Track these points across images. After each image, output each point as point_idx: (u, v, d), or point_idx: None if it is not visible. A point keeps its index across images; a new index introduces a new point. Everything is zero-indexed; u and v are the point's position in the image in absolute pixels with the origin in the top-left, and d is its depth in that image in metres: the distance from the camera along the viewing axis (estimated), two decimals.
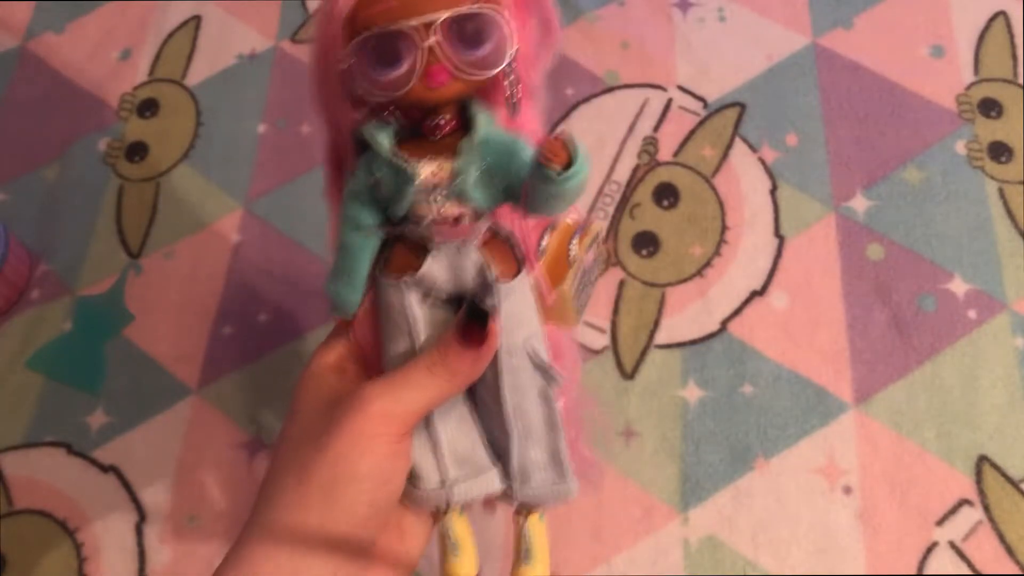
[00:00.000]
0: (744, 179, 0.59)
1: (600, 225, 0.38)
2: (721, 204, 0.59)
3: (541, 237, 0.37)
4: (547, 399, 0.34)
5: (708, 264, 0.57)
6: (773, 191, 0.59)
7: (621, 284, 0.56)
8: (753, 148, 0.60)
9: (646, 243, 0.58)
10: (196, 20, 0.70)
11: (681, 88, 0.63)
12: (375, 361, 0.36)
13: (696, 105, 0.62)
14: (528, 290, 0.34)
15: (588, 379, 0.53)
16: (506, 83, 0.32)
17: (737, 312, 0.55)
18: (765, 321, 0.54)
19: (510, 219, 0.35)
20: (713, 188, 0.59)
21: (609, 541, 0.49)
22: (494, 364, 0.33)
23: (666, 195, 0.59)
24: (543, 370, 0.34)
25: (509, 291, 0.33)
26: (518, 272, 0.34)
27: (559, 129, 0.29)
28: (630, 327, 0.55)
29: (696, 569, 0.48)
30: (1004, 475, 0.49)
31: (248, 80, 0.67)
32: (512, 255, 0.34)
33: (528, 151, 0.31)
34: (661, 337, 0.55)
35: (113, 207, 0.62)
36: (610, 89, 0.64)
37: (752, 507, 0.49)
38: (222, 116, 0.65)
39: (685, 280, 0.56)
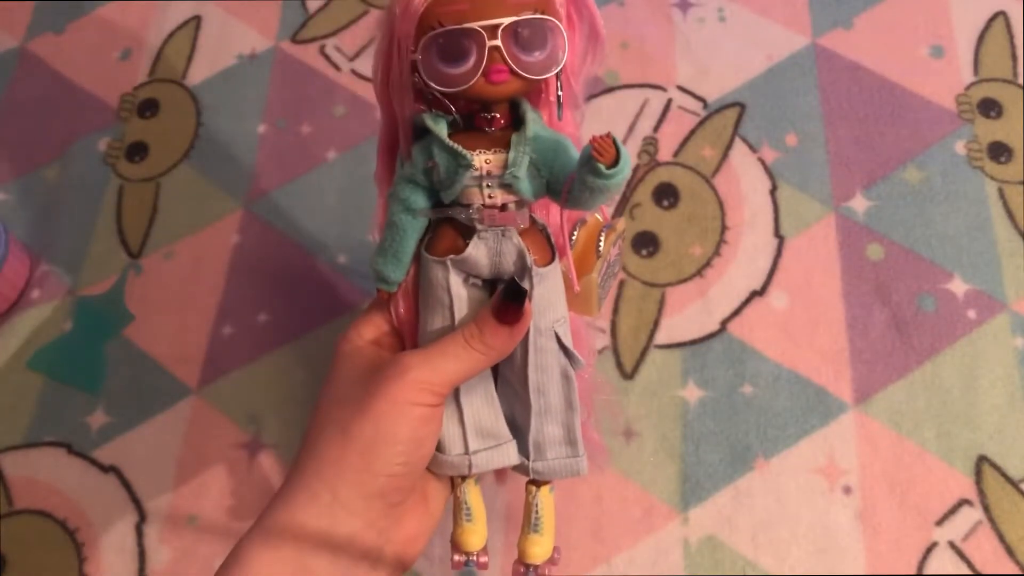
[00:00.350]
0: (744, 179, 0.59)
1: (624, 223, 0.43)
2: (721, 204, 0.59)
3: (572, 231, 0.40)
4: (568, 379, 0.37)
5: (708, 264, 0.57)
6: (773, 191, 0.59)
7: (621, 284, 0.56)
8: (753, 148, 0.60)
9: (646, 243, 0.58)
10: (196, 20, 0.70)
11: (681, 88, 0.63)
12: (411, 335, 0.39)
13: (696, 105, 0.62)
14: (559, 278, 0.37)
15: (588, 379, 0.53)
16: (554, 86, 0.36)
17: (737, 312, 0.55)
18: (765, 321, 0.55)
19: (545, 212, 0.38)
20: (713, 188, 0.59)
21: (609, 541, 0.49)
22: (524, 342, 0.36)
23: (666, 195, 0.59)
24: (567, 352, 0.37)
25: (543, 276, 0.36)
26: (552, 260, 0.37)
27: (606, 131, 0.32)
28: (630, 327, 0.55)
29: (696, 569, 0.48)
30: (1004, 475, 0.49)
31: (248, 80, 0.67)
32: (547, 245, 0.37)
33: (572, 149, 0.35)
34: (661, 337, 0.55)
35: (113, 207, 0.62)
36: (610, 89, 0.64)
37: (752, 507, 0.49)
38: (222, 116, 0.65)
39: (685, 280, 0.56)
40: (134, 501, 0.52)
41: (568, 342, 0.37)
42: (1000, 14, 0.64)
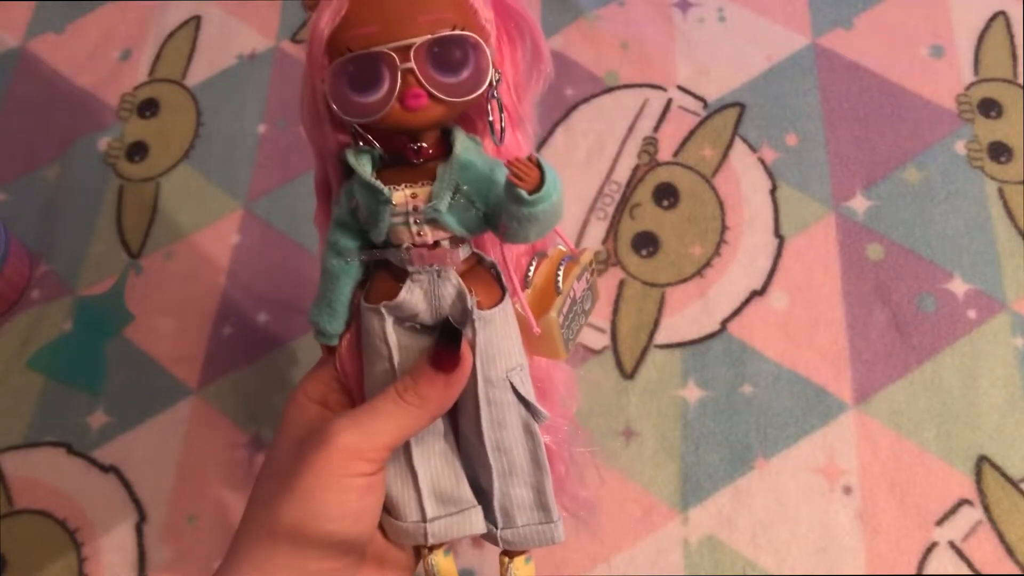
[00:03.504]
0: (744, 179, 0.59)
1: (591, 255, 0.37)
2: (721, 204, 0.59)
3: (528, 266, 0.36)
4: (532, 435, 0.33)
5: (708, 264, 0.57)
6: (773, 191, 0.59)
7: (621, 284, 0.56)
8: (753, 148, 0.60)
9: (646, 243, 0.58)
10: (196, 20, 0.70)
11: (681, 88, 0.63)
12: (358, 389, 0.35)
13: (696, 105, 0.62)
14: (511, 320, 0.33)
15: (588, 379, 0.53)
16: (488, 109, 0.32)
17: (737, 312, 0.55)
18: (765, 321, 0.55)
19: (498, 248, 0.35)
20: (713, 188, 0.59)
21: (609, 541, 0.49)
22: (474, 395, 0.33)
23: (666, 195, 0.59)
24: (527, 404, 0.33)
25: (489, 319, 0.32)
26: (500, 300, 0.33)
27: (530, 153, 0.30)
28: (630, 327, 0.55)
29: (696, 569, 0.48)
30: (1004, 475, 0.49)
31: (248, 80, 0.67)
32: (495, 283, 0.33)
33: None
34: (661, 337, 0.55)
35: (113, 207, 0.62)
36: (610, 89, 0.64)
37: (752, 507, 0.49)
38: (222, 116, 0.65)
39: (685, 280, 0.56)
40: (134, 501, 0.52)
41: (527, 392, 0.33)
42: (1000, 14, 0.64)
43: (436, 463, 0.34)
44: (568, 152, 0.61)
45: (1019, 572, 0.47)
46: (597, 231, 0.58)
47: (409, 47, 0.29)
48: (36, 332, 0.58)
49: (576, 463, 0.38)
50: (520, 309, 0.34)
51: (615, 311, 0.55)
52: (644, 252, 0.57)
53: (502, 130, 0.32)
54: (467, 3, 0.30)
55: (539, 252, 0.36)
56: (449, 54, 0.29)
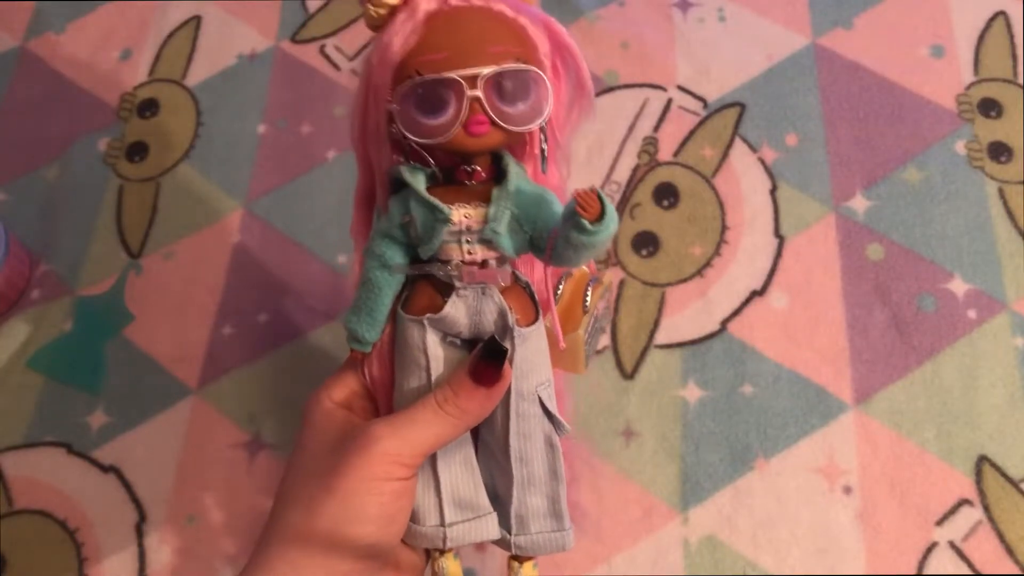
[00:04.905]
0: (744, 179, 0.59)
1: (612, 276, 0.40)
2: (721, 204, 0.59)
3: (557, 285, 0.38)
4: (553, 447, 0.35)
5: (708, 264, 0.57)
6: (773, 191, 0.59)
7: (621, 284, 0.56)
8: (753, 148, 0.60)
9: (646, 243, 0.58)
10: (196, 20, 0.70)
11: (681, 88, 0.63)
12: (385, 397, 0.37)
13: (696, 105, 0.62)
14: (543, 338, 0.35)
15: (588, 379, 0.53)
16: (539, 139, 0.34)
17: (737, 312, 0.55)
18: (765, 321, 0.54)
19: (528, 268, 0.36)
20: (713, 188, 0.59)
21: (609, 541, 0.49)
22: (504, 407, 0.34)
23: (666, 195, 0.59)
24: (551, 417, 0.35)
25: (526, 337, 0.34)
26: (535, 319, 0.35)
27: (589, 185, 0.31)
28: (630, 327, 0.55)
29: (696, 569, 0.48)
30: (1004, 475, 0.49)
31: (248, 80, 0.67)
32: (530, 303, 0.35)
33: (556, 203, 0.33)
34: (661, 337, 0.55)
35: (113, 207, 0.62)
36: (610, 89, 0.64)
37: (752, 507, 0.49)
38: (222, 116, 0.65)
39: (685, 280, 0.56)
40: (134, 501, 0.52)
41: (553, 407, 0.35)
42: (1000, 14, 0.64)
43: (457, 470, 0.35)
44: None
45: (1019, 572, 0.47)
46: None
47: (477, 76, 0.30)
48: (36, 332, 0.58)
49: (576, 473, 0.39)
50: (549, 325, 0.35)
51: (615, 311, 0.55)
52: (644, 252, 0.57)
53: (546, 158, 0.34)
54: (529, 38, 0.32)
55: (566, 272, 0.38)
56: (513, 86, 0.31)
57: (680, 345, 0.54)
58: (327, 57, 0.67)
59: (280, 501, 0.34)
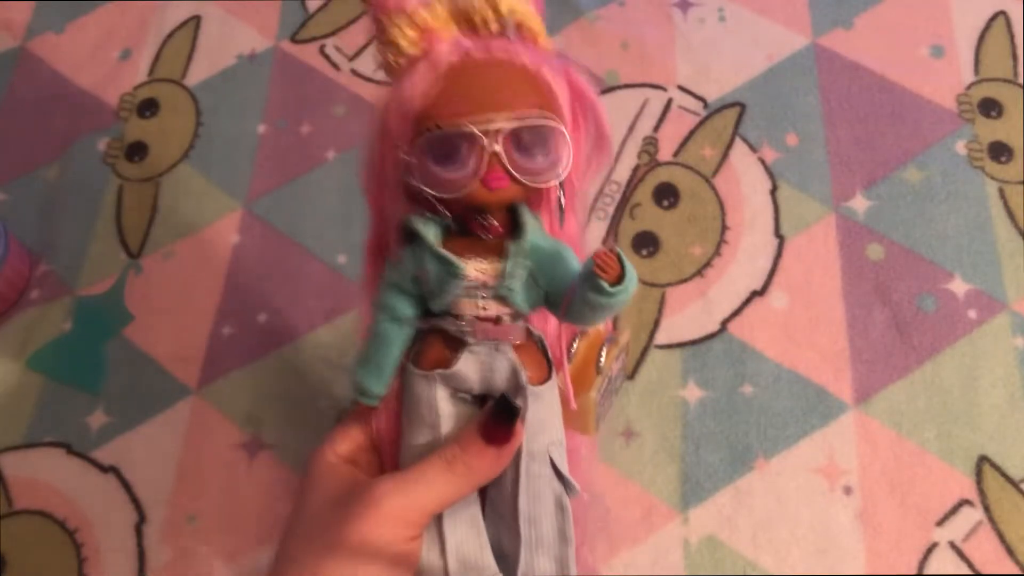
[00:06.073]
0: (744, 179, 0.59)
1: (628, 336, 0.39)
2: (721, 204, 0.59)
3: (571, 343, 0.37)
4: (563, 509, 0.34)
5: (708, 264, 0.57)
6: (773, 191, 0.59)
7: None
8: (753, 148, 0.60)
9: (646, 243, 0.58)
10: (196, 20, 0.70)
11: (681, 88, 0.63)
12: (391, 452, 0.36)
13: (696, 105, 0.62)
14: (556, 396, 0.34)
15: None
16: (558, 191, 0.33)
17: (737, 312, 0.55)
18: (765, 321, 0.54)
19: (542, 321, 0.36)
20: (713, 188, 0.59)
21: (609, 541, 0.49)
22: (514, 467, 0.33)
23: (666, 195, 0.59)
24: (562, 478, 0.34)
25: (538, 395, 0.33)
26: (548, 377, 0.34)
27: (608, 243, 0.30)
28: (630, 327, 0.55)
29: (696, 569, 0.48)
30: (1004, 475, 0.49)
31: (248, 80, 0.67)
32: (543, 360, 0.34)
33: (572, 259, 0.32)
34: (661, 337, 0.55)
35: (113, 207, 0.62)
36: (610, 89, 0.64)
37: (752, 507, 0.49)
38: (222, 116, 0.65)
39: (685, 280, 0.56)
40: (134, 501, 0.52)
41: (563, 467, 0.34)
42: (1000, 14, 0.64)
43: (463, 529, 0.34)
44: None
45: (1019, 572, 0.47)
46: (597, 231, 0.58)
47: (498, 131, 0.30)
48: (36, 332, 0.58)
49: (587, 532, 0.38)
50: (561, 384, 0.34)
51: (627, 376, 0.55)
52: (644, 252, 0.57)
53: (563, 211, 0.33)
54: (551, 91, 0.32)
55: (581, 330, 0.37)
56: (533, 140, 0.30)
57: (680, 345, 0.54)
58: (327, 57, 0.67)
59: (282, 558, 0.33)
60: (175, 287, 0.59)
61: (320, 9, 0.69)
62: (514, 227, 0.33)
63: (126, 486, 0.53)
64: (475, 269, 0.32)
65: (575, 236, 0.35)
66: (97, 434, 0.54)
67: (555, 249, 0.32)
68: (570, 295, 0.31)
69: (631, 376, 0.53)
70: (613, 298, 0.30)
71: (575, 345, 0.37)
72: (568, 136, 0.32)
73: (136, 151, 0.65)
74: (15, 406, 0.56)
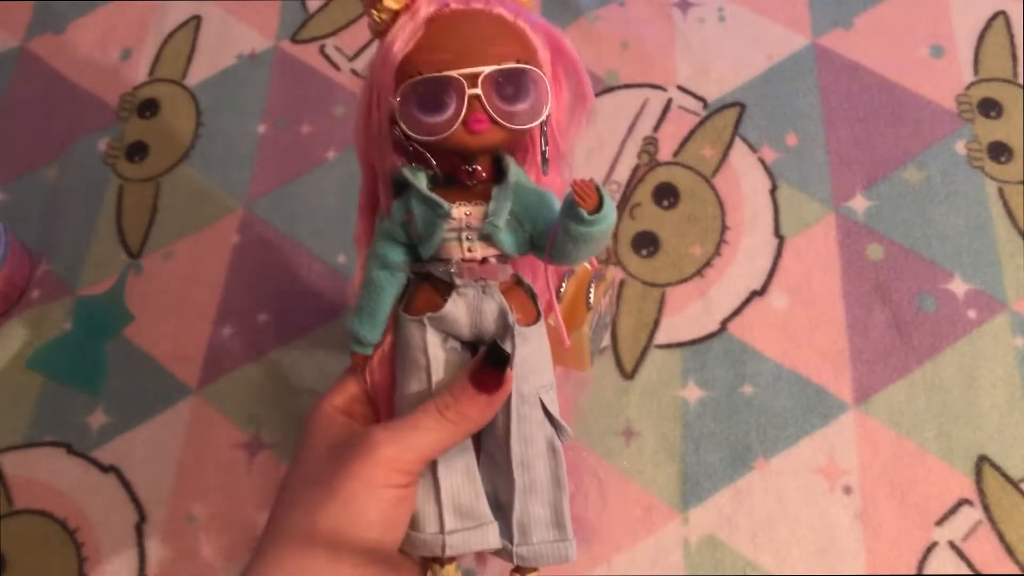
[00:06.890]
0: (744, 179, 0.59)
1: (615, 273, 0.40)
2: (721, 204, 0.59)
3: (560, 283, 0.38)
4: (555, 452, 0.35)
5: (708, 264, 0.57)
6: (773, 191, 0.59)
7: (621, 284, 0.56)
8: (753, 148, 0.60)
9: (646, 243, 0.58)
10: (196, 20, 0.70)
11: (681, 88, 0.63)
12: (386, 403, 0.37)
13: (696, 105, 0.62)
14: (544, 340, 0.35)
15: (588, 379, 0.53)
16: (540, 140, 0.34)
17: (737, 312, 0.55)
18: (765, 321, 0.54)
19: (530, 273, 0.37)
20: (713, 188, 0.59)
21: (609, 541, 0.49)
22: (505, 412, 0.34)
23: (666, 195, 0.59)
24: (553, 421, 0.35)
25: (527, 337, 0.34)
26: (536, 319, 0.35)
27: (587, 177, 0.32)
28: (630, 327, 0.55)
29: (696, 569, 0.48)
30: (1004, 475, 0.49)
31: (248, 80, 0.67)
32: (532, 304, 0.35)
33: (555, 204, 0.33)
34: (661, 337, 0.55)
35: (113, 207, 0.62)
36: (610, 89, 0.64)
37: (752, 507, 0.49)
38: (222, 116, 0.65)
39: (685, 280, 0.56)
40: (134, 501, 0.52)
41: (555, 410, 0.35)
42: (1000, 14, 0.64)
43: (458, 478, 0.35)
44: None
45: (1019, 572, 0.47)
46: None
47: (477, 75, 0.31)
48: (36, 332, 0.58)
49: (582, 485, 0.39)
50: (553, 323, 0.35)
51: (615, 311, 0.55)
52: (644, 252, 0.57)
53: (547, 160, 0.34)
54: (530, 42, 0.33)
55: (568, 271, 0.39)
56: (513, 85, 0.32)
57: (680, 345, 0.54)
58: (327, 57, 0.67)
59: (280, 504, 0.34)
60: (175, 287, 0.59)
61: (320, 9, 0.70)
62: (499, 176, 0.34)
63: (126, 486, 0.53)
64: (462, 211, 0.33)
65: (559, 187, 0.36)
66: (97, 434, 0.54)
67: (539, 193, 0.34)
68: (553, 234, 0.32)
69: (630, 376, 0.53)
70: (593, 227, 0.31)
71: (564, 286, 0.38)
72: (548, 82, 0.33)
73: (136, 151, 0.65)
74: (15, 406, 0.56)
